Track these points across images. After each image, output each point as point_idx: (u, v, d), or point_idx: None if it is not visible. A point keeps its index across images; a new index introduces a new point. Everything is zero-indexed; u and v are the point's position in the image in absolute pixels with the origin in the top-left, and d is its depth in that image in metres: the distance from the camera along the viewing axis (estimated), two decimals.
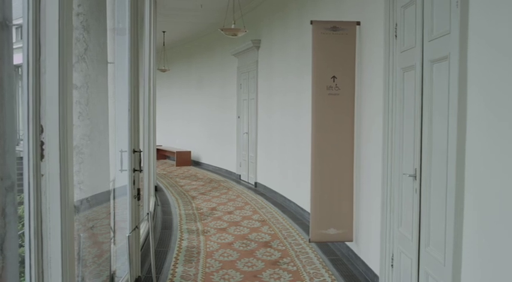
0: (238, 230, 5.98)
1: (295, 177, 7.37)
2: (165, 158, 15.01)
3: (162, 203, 7.76)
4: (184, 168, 12.67)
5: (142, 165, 5.32)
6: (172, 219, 6.57)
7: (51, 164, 2.30)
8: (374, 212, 4.20)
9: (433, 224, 2.97)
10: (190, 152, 13.49)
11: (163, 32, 12.53)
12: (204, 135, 12.96)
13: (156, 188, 8.92)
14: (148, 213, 3.89)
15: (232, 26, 6.71)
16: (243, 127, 10.45)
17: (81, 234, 3.91)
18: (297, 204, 7.20)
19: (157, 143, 15.54)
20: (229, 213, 7.00)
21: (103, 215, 4.03)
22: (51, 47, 2.31)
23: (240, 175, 10.63)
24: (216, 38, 11.98)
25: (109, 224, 4.06)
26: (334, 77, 4.65)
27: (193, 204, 7.61)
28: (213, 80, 12.44)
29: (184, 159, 13.29)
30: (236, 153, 10.79)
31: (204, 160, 13.13)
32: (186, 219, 6.56)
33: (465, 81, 2.55)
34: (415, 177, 3.24)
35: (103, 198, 3.98)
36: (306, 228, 6.04)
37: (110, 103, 4.17)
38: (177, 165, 13.15)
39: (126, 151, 3.83)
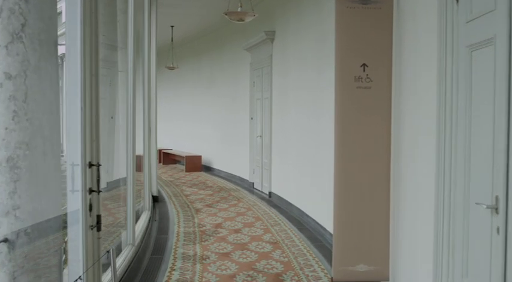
0: (244, 256, 4.91)
1: (313, 188, 6.27)
2: (175, 163, 14.04)
3: (161, 218, 6.73)
4: (194, 175, 11.65)
5: (134, 176, 4.26)
6: (167, 240, 5.53)
7: None
8: (421, 247, 3.08)
9: None
10: (200, 156, 12.47)
11: (172, 26, 11.56)
12: (216, 139, 11.93)
13: (157, 199, 7.91)
14: (109, 251, 2.86)
15: (239, 9, 5.65)
16: (256, 130, 9.37)
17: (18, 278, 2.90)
18: (316, 221, 6.09)
19: (168, 147, 14.61)
20: (236, 231, 5.92)
21: (50, 251, 3.02)
22: None
23: (253, 183, 9.56)
24: (227, 32, 10.97)
25: (59, 264, 3.04)
26: (364, 65, 3.54)
27: (196, 220, 6.56)
28: (224, 78, 11.40)
29: (195, 164, 12.28)
30: (249, 158, 9.73)
31: (215, 165, 12.10)
32: (184, 240, 5.51)
33: None
34: (496, 209, 2.12)
35: (50, 229, 2.97)
36: (326, 253, 4.95)
37: (63, 99, 3.17)
38: (186, 171, 12.15)
39: (78, 165, 2.80)
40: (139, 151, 6.45)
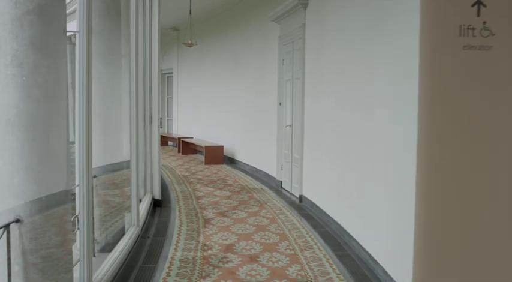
0: None
1: (359, 201, 4.60)
2: (196, 153, 12.54)
3: (156, 232, 5.21)
4: (214, 168, 10.11)
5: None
6: (153, 274, 3.98)
7: None
8: None
9: None
10: (222, 147, 10.90)
11: None
12: (240, 127, 10.32)
13: (160, 203, 6.40)
14: None
15: None
16: (285, 118, 7.71)
17: None
18: (362, 247, 4.43)
19: (188, 135, 13.13)
20: (252, 259, 4.32)
21: None
22: None
23: (281, 182, 7.93)
24: (253, 2, 9.30)
25: None
26: (479, 3, 1.83)
27: (202, 237, 5.00)
28: (249, 56, 9.73)
29: (215, 155, 10.73)
30: (277, 152, 8.09)
31: (239, 157, 10.52)
32: (177, 275, 3.95)
33: None
34: None
35: None
36: None
37: None
38: (206, 164, 10.62)
39: None
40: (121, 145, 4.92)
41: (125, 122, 5.01)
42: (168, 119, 15.58)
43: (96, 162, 4.34)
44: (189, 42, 10.47)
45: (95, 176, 4.28)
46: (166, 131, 15.48)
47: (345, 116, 5.07)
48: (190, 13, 10.35)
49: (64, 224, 3.12)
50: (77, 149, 2.99)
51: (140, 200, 5.80)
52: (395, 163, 3.70)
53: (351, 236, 4.81)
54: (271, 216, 5.94)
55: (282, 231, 5.25)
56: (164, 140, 14.45)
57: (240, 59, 10.21)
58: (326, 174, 5.77)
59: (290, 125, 7.39)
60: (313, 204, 6.27)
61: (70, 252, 3.16)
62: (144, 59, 5.88)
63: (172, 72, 14.91)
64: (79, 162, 2.98)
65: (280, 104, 7.92)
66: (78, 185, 3.01)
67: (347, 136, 5.01)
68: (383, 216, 3.96)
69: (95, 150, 4.33)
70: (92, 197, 3.03)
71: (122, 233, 4.66)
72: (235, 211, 6.18)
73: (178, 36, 13.91)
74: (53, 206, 2.99)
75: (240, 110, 10.22)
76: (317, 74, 6.18)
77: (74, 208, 3.25)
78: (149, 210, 5.73)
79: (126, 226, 4.81)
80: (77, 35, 2.99)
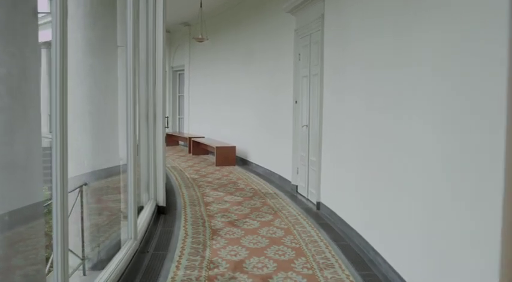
0: None
1: (386, 211, 4.00)
2: (207, 153, 12.01)
3: (158, 245, 4.66)
4: (225, 170, 9.55)
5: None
6: None
7: None
8: None
9: None
10: (234, 147, 10.34)
11: None
12: (253, 126, 9.75)
13: (164, 210, 5.86)
14: None
15: None
16: (301, 117, 7.13)
17: None
18: (390, 266, 3.83)
19: (199, 134, 12.62)
20: (264, 281, 3.75)
21: None
22: None
23: (296, 186, 7.35)
24: None
25: None
26: None
27: (208, 252, 4.45)
28: (263, 51, 9.15)
29: (227, 157, 10.17)
30: (292, 153, 7.51)
31: (252, 159, 9.95)
32: None
33: None
34: None
35: None
36: None
37: None
38: (217, 165, 10.07)
39: None
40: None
41: (123, 121, 4.49)
42: (179, 118, 15.08)
43: (87, 168, 3.84)
44: (200, 36, 9.93)
45: (85, 184, 3.78)
46: (177, 131, 15.00)
47: (371, 116, 4.47)
48: (201, 6, 9.82)
49: (35, 245, 2.60)
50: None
51: (142, 207, 5.29)
52: (431, 173, 3.10)
53: (376, 252, 4.21)
54: (285, 226, 5.37)
55: (298, 245, 4.67)
56: (175, 140, 13.97)
57: (253, 54, 9.64)
58: (347, 179, 5.18)
59: (307, 125, 6.81)
60: (332, 213, 5.68)
61: (43, 278, 2.65)
62: (147, 52, 5.36)
63: (183, 70, 14.41)
64: (52, 172, 2.44)
65: (296, 102, 7.34)
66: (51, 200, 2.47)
67: (372, 138, 4.42)
68: (415, 230, 3.37)
69: (86, 154, 3.81)
70: (67, 214, 2.49)
71: (118, 247, 4.14)
72: (247, 220, 5.61)
73: (190, 31, 13.39)
74: (19, 224, 2.47)
75: (253, 109, 9.66)
76: (338, 70, 5.59)
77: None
78: (151, 219, 5.20)
79: (124, 238, 4.29)
80: (51, 14, 2.45)
